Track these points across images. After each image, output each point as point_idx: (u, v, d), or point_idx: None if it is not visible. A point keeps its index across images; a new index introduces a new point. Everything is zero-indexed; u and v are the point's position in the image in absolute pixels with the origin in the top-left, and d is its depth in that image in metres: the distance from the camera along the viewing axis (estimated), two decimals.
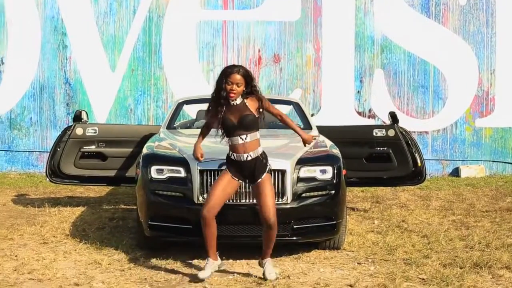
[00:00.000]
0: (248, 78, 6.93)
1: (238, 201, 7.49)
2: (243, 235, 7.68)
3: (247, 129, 6.86)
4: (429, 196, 12.87)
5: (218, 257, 7.14)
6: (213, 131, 8.37)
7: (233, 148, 6.92)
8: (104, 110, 16.01)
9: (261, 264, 7.17)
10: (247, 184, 7.16)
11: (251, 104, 6.94)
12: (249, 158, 6.86)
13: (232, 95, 6.84)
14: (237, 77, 6.85)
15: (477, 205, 11.83)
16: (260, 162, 6.91)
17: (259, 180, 6.89)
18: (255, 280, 7.08)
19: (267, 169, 6.96)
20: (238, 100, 6.92)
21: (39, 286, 6.85)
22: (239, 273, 7.33)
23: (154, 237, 8.13)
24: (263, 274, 7.05)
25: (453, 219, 10.64)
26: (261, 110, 7.00)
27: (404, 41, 16.24)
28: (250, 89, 6.96)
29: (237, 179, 6.97)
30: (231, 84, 6.84)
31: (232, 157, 6.94)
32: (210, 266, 6.98)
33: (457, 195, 13.08)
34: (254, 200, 7.20)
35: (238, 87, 6.85)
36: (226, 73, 6.90)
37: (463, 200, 12.52)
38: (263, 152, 6.99)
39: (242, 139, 6.84)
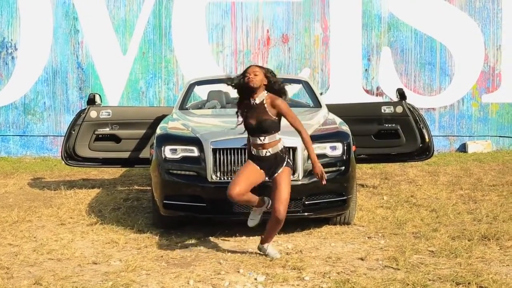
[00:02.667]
0: (266, 71, 6.91)
1: None
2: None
3: (265, 132, 6.83)
4: (437, 172, 12.98)
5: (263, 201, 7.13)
6: (224, 110, 8.51)
7: (253, 145, 6.94)
8: (116, 93, 16.19)
9: (261, 249, 7.20)
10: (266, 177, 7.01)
11: (270, 108, 6.84)
12: (268, 154, 6.86)
13: (250, 82, 6.79)
14: (255, 68, 6.88)
15: (484, 180, 11.94)
16: (280, 157, 6.89)
17: (276, 174, 6.87)
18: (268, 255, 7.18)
19: (285, 162, 6.92)
20: (258, 100, 6.86)
21: (58, 266, 6.95)
22: (252, 250, 7.44)
23: (169, 215, 8.27)
24: (268, 256, 7.11)
25: (461, 193, 10.76)
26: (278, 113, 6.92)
27: (410, 18, 16.34)
28: (271, 85, 6.91)
29: (263, 171, 6.92)
30: (248, 74, 6.83)
31: (253, 152, 6.94)
32: (259, 212, 7.17)
33: (465, 170, 13.18)
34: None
35: (256, 75, 6.81)
36: (244, 70, 6.96)
37: (471, 175, 12.63)
38: (284, 147, 6.99)
39: (260, 140, 6.84)
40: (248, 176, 6.87)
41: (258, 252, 7.27)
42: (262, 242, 7.19)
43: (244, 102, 6.97)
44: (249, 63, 16.03)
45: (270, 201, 7.03)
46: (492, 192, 10.82)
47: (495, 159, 14.94)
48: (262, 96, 6.88)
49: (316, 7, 16.32)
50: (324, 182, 6.88)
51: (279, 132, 6.98)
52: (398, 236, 7.99)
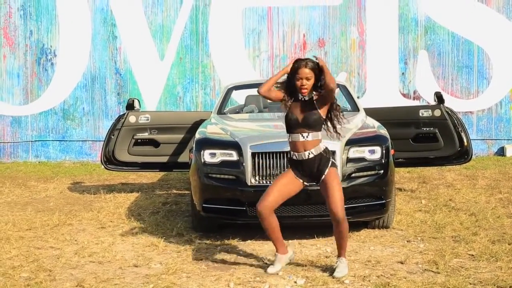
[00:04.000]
0: (317, 70, 6.56)
1: None
2: (290, 216, 7.76)
3: (310, 127, 6.56)
4: (475, 176, 12.89)
5: (288, 249, 6.91)
6: (261, 115, 8.46)
7: (293, 146, 6.65)
8: (154, 98, 16.29)
9: (336, 263, 6.78)
10: (311, 184, 6.79)
11: (320, 103, 6.61)
12: (311, 155, 6.55)
13: (304, 90, 6.56)
14: (306, 71, 6.53)
15: None
16: (324, 158, 6.59)
17: (323, 176, 6.58)
18: (307, 259, 7.21)
19: (330, 163, 6.62)
20: (307, 97, 6.63)
21: (100, 268, 7.04)
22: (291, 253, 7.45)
23: (209, 219, 8.33)
24: (334, 271, 6.66)
25: (500, 197, 10.68)
26: (330, 113, 6.70)
27: (447, 21, 16.23)
28: (321, 83, 6.59)
29: (301, 180, 6.69)
30: (300, 79, 6.55)
31: (294, 157, 6.65)
32: (279, 260, 6.77)
33: (503, 174, 13.09)
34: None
35: (308, 80, 6.54)
36: (294, 68, 6.60)
37: (509, 178, 12.54)
38: (326, 148, 6.69)
39: (303, 137, 6.54)
40: (281, 189, 6.65)
41: (297, 255, 7.29)
42: (337, 255, 6.85)
43: (290, 93, 6.71)
44: None
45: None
46: None
47: None
48: (311, 93, 6.67)
49: (353, 11, 16.30)
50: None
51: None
52: (437, 240, 7.96)
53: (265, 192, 6.70)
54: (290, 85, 6.68)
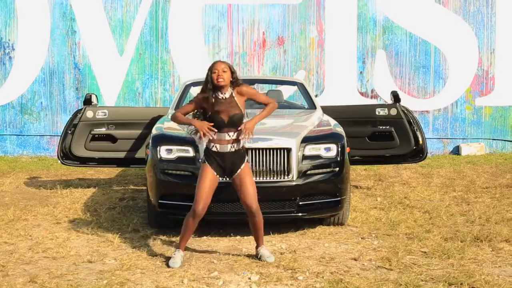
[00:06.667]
0: (231, 68, 7.02)
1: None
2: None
3: (236, 126, 6.90)
4: (430, 174, 13.03)
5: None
6: None
7: (217, 141, 6.91)
8: (112, 94, 16.22)
9: (257, 254, 7.16)
10: (225, 178, 7.12)
11: (239, 99, 6.98)
12: (233, 149, 6.89)
13: (220, 80, 6.84)
14: (221, 65, 6.95)
15: (477, 182, 11.99)
16: (241, 154, 6.97)
17: (238, 171, 6.93)
18: None
19: (246, 159, 7.02)
20: (227, 94, 6.95)
21: (53, 264, 7.00)
22: (246, 249, 7.52)
23: (164, 215, 8.31)
24: (261, 260, 7.06)
25: (454, 195, 10.81)
26: (245, 100, 7.07)
27: (405, 22, 16.38)
28: (235, 80, 6.99)
29: (216, 174, 6.97)
30: (216, 71, 6.90)
31: (214, 148, 6.91)
32: (181, 257, 7.03)
33: (458, 173, 13.23)
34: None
35: (224, 72, 6.89)
36: (210, 67, 7.02)
37: (464, 177, 12.68)
38: (243, 145, 7.02)
39: (230, 136, 6.87)
40: (209, 186, 6.92)
41: (252, 251, 7.33)
42: (256, 246, 7.22)
43: (208, 96, 6.96)
44: (245, 65, 16.15)
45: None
46: (485, 194, 10.88)
47: (488, 161, 15.01)
48: (230, 90, 6.96)
49: (312, 10, 16.36)
50: (246, 137, 6.94)
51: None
52: (391, 237, 8.04)
53: (197, 194, 6.91)
54: (206, 83, 7.01)
